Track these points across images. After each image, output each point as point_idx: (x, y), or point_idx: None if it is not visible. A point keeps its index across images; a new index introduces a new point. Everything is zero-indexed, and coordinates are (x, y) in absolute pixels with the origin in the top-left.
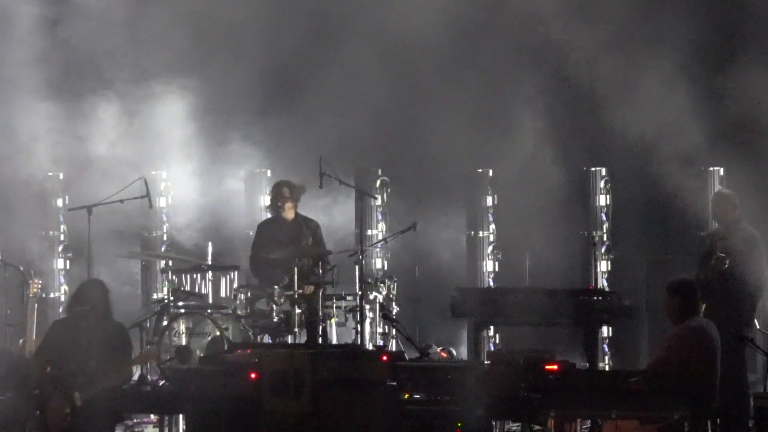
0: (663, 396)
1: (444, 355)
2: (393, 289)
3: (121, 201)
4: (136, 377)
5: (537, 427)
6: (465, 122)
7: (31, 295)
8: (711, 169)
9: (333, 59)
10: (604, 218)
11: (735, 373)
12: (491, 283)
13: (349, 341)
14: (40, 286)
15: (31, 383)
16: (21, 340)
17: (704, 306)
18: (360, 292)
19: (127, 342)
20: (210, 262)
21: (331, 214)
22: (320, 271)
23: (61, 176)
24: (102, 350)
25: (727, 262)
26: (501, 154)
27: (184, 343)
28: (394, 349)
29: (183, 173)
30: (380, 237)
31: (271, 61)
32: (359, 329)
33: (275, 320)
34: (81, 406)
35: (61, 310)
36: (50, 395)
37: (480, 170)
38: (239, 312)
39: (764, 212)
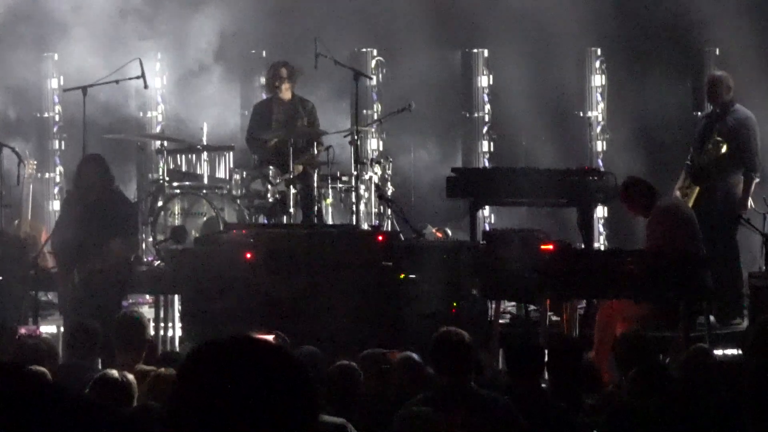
0: (657, 276)
1: (439, 235)
2: (388, 169)
3: (117, 81)
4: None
5: (532, 307)
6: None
7: (26, 176)
8: (707, 49)
9: None
10: (600, 99)
11: (728, 252)
12: (487, 164)
13: (345, 221)
14: (35, 166)
15: (26, 264)
16: (16, 221)
17: (698, 189)
18: (355, 173)
19: (131, 214)
20: (205, 143)
21: (326, 94)
22: (315, 151)
23: (56, 57)
24: (104, 224)
25: (724, 146)
26: (497, 33)
27: (179, 223)
28: (389, 229)
29: (178, 54)
30: (375, 117)
31: None
32: (354, 209)
33: (271, 201)
34: (78, 282)
35: (56, 191)
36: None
37: (476, 50)
38: (234, 192)
39: (759, 92)
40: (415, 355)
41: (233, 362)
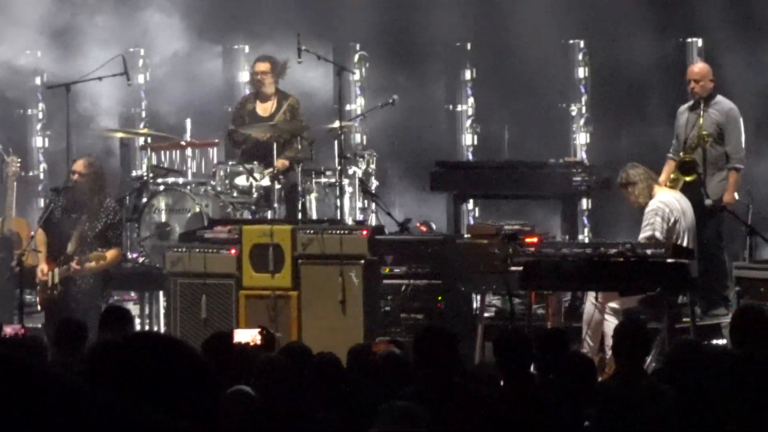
0: (643, 268)
1: (424, 229)
2: (372, 163)
3: (100, 78)
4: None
5: (517, 300)
6: None
7: (10, 173)
8: (690, 40)
9: None
10: (583, 90)
11: (713, 243)
12: (470, 157)
13: (329, 216)
14: (19, 164)
15: (9, 261)
16: (0, 219)
17: (683, 181)
18: (339, 167)
19: (113, 228)
20: (189, 139)
21: (309, 89)
22: (298, 146)
23: (39, 54)
24: (83, 232)
25: (710, 139)
26: (480, 26)
27: (163, 220)
28: (373, 223)
29: (161, 50)
30: (359, 112)
31: None
32: (339, 204)
33: (254, 196)
34: (56, 284)
35: (40, 188)
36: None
37: (458, 43)
38: (218, 188)
39: (741, 83)
40: (397, 350)
41: (131, 358)
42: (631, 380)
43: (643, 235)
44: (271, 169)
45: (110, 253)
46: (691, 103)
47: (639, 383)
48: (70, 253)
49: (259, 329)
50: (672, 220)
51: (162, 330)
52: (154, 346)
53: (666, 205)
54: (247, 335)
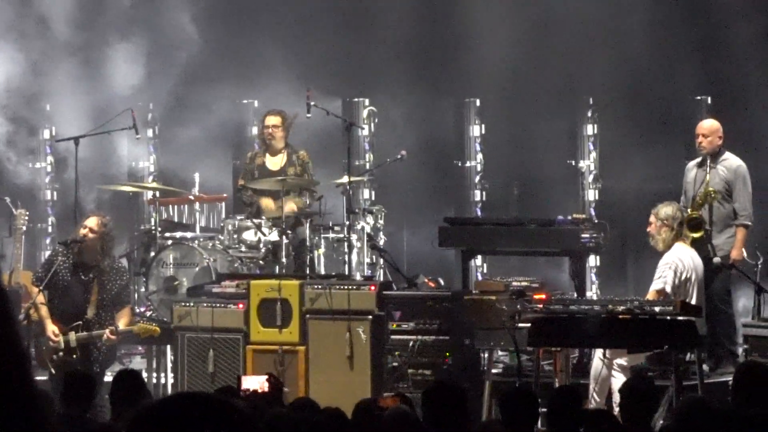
0: (651, 325)
1: (432, 284)
2: (380, 218)
3: (109, 132)
4: None
5: (525, 357)
6: (451, 49)
7: (18, 226)
8: (699, 98)
9: None
10: (592, 147)
11: (722, 301)
12: (479, 213)
13: (337, 271)
14: (27, 217)
15: (16, 315)
16: (8, 272)
17: (691, 238)
18: (347, 222)
19: (125, 290)
20: (197, 193)
21: (318, 144)
22: (307, 200)
23: (48, 107)
24: (100, 298)
25: (717, 196)
26: (491, 82)
27: (171, 274)
28: (381, 278)
29: (171, 104)
30: (368, 167)
31: None
32: (347, 259)
33: (263, 251)
34: (74, 348)
35: (48, 241)
36: (43, 323)
37: (467, 99)
38: (227, 243)
39: (748, 142)
40: (405, 407)
41: (174, 417)
42: None
43: (654, 288)
44: (278, 219)
45: (129, 316)
46: (699, 159)
47: None
48: (90, 319)
49: (266, 376)
50: (684, 276)
51: (170, 384)
52: (202, 408)
53: (681, 261)
54: (254, 382)
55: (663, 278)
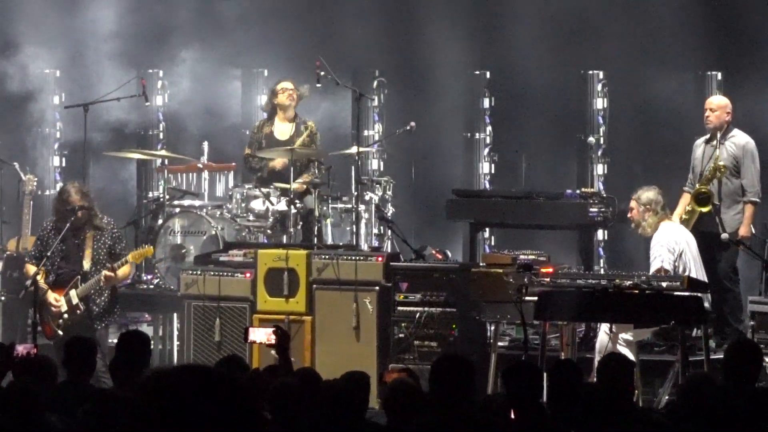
0: (658, 300)
1: (439, 256)
2: (389, 190)
3: (118, 99)
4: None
5: (531, 330)
6: (463, 23)
7: (26, 192)
8: (709, 73)
9: None
10: (601, 121)
11: (729, 277)
12: (487, 186)
13: (345, 242)
14: (35, 183)
15: (23, 280)
16: (16, 237)
17: (699, 214)
18: (356, 193)
19: (119, 241)
20: (206, 161)
21: (327, 114)
22: (315, 171)
23: (58, 73)
24: (95, 251)
25: (726, 171)
26: (499, 56)
27: (179, 242)
28: (389, 250)
29: (179, 72)
30: (377, 138)
31: None
32: (354, 230)
33: (270, 220)
34: (77, 304)
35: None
36: (45, 294)
37: (477, 72)
38: (235, 211)
39: (759, 117)
40: (409, 379)
41: (180, 391)
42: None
43: (653, 268)
44: (288, 194)
45: (132, 255)
46: (707, 136)
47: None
48: (88, 271)
49: (273, 328)
50: (678, 251)
51: (175, 351)
52: (202, 381)
53: (671, 237)
54: (261, 334)
55: (659, 257)
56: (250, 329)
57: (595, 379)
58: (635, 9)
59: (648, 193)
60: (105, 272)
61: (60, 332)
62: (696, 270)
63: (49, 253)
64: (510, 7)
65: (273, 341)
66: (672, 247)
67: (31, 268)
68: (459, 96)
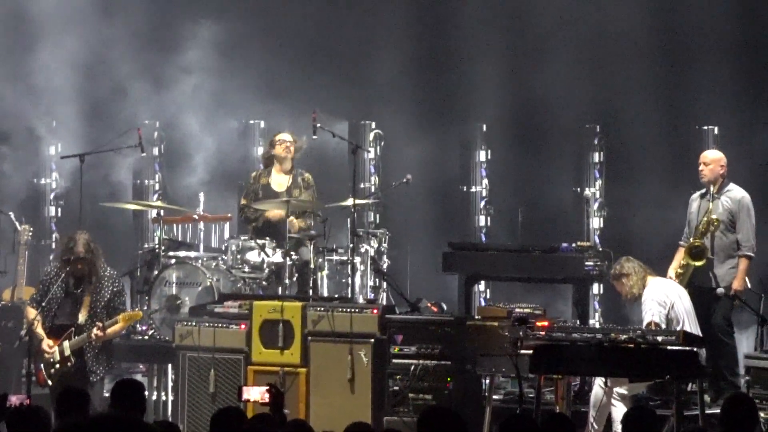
0: (653, 354)
1: (434, 309)
2: (384, 242)
3: (114, 150)
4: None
5: (526, 384)
6: (458, 75)
7: (21, 242)
8: (705, 128)
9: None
10: (597, 175)
11: (724, 332)
12: (483, 239)
13: (340, 294)
14: (31, 233)
15: (19, 330)
16: (11, 287)
17: (694, 268)
18: (351, 245)
19: (118, 296)
20: (202, 212)
21: (323, 166)
22: (311, 222)
23: (54, 123)
24: (92, 303)
25: (720, 225)
26: (494, 108)
27: (174, 293)
28: (384, 302)
29: (177, 123)
30: (373, 190)
31: (269, 15)
32: (350, 282)
33: (266, 272)
34: (68, 356)
35: (51, 257)
36: (40, 341)
37: (474, 124)
38: (230, 263)
39: (754, 173)
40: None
41: None
42: None
43: (644, 323)
44: (284, 244)
45: (122, 317)
46: (703, 190)
47: None
48: (83, 324)
49: (267, 387)
50: (669, 303)
51: (170, 402)
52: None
53: (660, 290)
54: (255, 392)
55: (650, 311)
56: (244, 388)
57: None
58: (631, 63)
59: (626, 264)
60: (95, 330)
61: (50, 381)
62: (689, 323)
63: (45, 302)
64: (502, 59)
65: (267, 400)
66: (662, 300)
67: (31, 312)
68: (456, 148)
